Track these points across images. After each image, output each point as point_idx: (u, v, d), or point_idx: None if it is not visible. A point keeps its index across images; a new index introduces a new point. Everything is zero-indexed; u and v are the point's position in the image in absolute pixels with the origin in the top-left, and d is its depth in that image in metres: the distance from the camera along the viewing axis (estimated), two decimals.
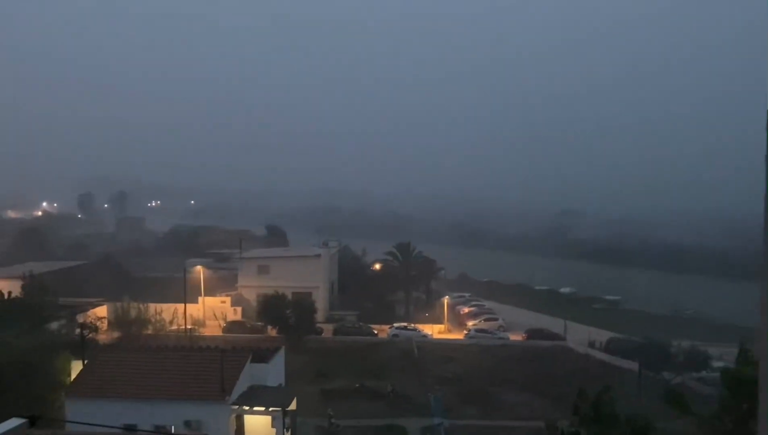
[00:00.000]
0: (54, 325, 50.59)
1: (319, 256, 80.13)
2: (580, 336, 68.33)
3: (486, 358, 61.03)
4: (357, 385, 49.92)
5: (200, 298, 72.70)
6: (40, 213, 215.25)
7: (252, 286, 76.09)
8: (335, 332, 68.74)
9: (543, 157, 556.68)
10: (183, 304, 67.77)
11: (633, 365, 55.00)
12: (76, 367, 37.34)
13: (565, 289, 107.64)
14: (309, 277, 75.64)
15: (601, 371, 54.15)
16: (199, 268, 76.82)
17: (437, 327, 73.85)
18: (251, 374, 35.92)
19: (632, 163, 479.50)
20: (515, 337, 70.85)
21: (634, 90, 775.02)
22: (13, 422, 4.72)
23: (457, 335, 72.14)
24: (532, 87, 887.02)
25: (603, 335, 69.16)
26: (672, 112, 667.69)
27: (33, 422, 5.20)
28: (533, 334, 70.51)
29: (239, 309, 73.56)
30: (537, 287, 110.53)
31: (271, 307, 64.29)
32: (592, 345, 65.93)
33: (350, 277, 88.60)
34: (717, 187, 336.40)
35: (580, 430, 23.70)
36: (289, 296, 66.10)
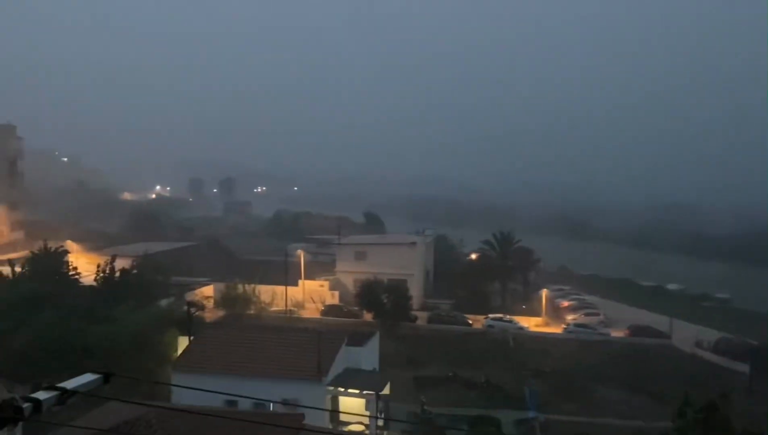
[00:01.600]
0: (164, 302, 53.42)
1: (414, 243, 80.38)
2: (686, 335, 65.14)
3: (585, 353, 59.26)
4: (450, 374, 49.82)
5: (300, 281, 74.70)
6: (153, 196, 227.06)
7: (349, 271, 77.39)
8: (429, 320, 68.88)
9: (653, 147, 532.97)
10: (284, 287, 69.92)
11: (744, 368, 52.04)
12: (183, 343, 39.35)
13: (672, 285, 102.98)
14: (404, 264, 76.01)
15: (708, 373, 51.59)
16: (299, 252, 78.93)
17: (534, 319, 72.52)
18: (347, 357, 36.67)
19: (749, 152, 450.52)
20: (617, 333, 68.54)
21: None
22: (87, 377, 5.00)
23: (555, 329, 70.53)
24: (633, 75, 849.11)
25: (711, 335, 65.53)
26: None
27: (107, 379, 5.46)
28: (636, 331, 67.90)
29: (336, 293, 75.10)
30: (642, 283, 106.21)
31: (368, 293, 65.23)
32: (699, 345, 62.79)
33: (446, 265, 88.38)
34: None
35: None
36: (385, 282, 66.82)
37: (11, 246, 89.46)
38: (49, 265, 55.03)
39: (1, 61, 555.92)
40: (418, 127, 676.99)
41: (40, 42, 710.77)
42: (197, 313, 48.33)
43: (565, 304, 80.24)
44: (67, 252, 63.09)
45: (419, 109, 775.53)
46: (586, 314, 73.80)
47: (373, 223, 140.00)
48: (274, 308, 68.48)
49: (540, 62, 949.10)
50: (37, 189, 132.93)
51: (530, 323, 70.92)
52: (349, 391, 34.41)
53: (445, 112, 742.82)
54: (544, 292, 76.43)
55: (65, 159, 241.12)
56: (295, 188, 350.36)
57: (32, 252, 58.35)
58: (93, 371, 5.79)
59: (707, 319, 73.86)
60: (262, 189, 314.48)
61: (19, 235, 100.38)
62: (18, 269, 52.94)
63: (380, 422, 34.59)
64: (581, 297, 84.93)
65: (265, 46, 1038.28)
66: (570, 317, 73.16)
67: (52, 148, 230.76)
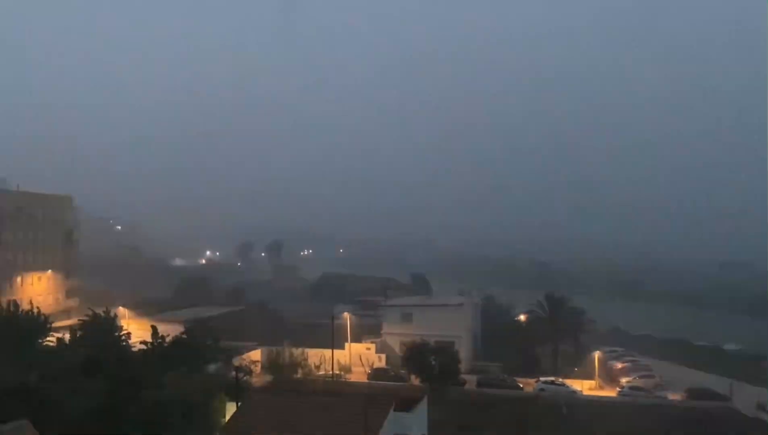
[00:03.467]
0: (212, 368, 53.77)
1: (461, 304, 79.75)
2: (747, 397, 62.30)
3: (642, 418, 56.94)
4: None
5: (347, 344, 74.48)
6: (203, 261, 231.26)
7: (395, 334, 77.01)
8: (478, 384, 67.51)
9: (711, 203, 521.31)
10: (331, 350, 69.75)
11: None
12: (231, 408, 39.43)
13: (730, 346, 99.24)
14: (451, 326, 75.24)
15: None
16: (346, 314, 78.97)
17: (587, 383, 70.42)
18: (395, 422, 36.10)
19: None
20: (674, 396, 66.01)
21: None
22: None
23: (609, 392, 68.35)
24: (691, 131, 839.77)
25: None
26: None
27: None
28: (694, 393, 65.30)
29: (383, 356, 74.50)
30: (698, 343, 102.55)
31: (415, 355, 64.53)
32: (762, 408, 59.89)
33: (494, 327, 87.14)
34: None
35: None
36: (432, 345, 66.08)
37: (66, 313, 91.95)
38: (101, 332, 56.20)
39: (61, 132, 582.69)
40: (465, 188, 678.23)
41: (95, 118, 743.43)
42: (245, 378, 48.53)
43: (619, 366, 77.88)
44: (118, 318, 64.39)
45: (466, 170, 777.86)
46: (641, 376, 71.46)
47: (419, 284, 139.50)
48: (321, 372, 68.23)
49: (593, 121, 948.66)
50: (92, 257, 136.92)
51: (583, 386, 68.88)
52: None
53: (494, 171, 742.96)
54: (596, 354, 74.38)
55: (119, 227, 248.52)
56: (341, 250, 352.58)
57: (85, 318, 59.75)
58: None
59: None
60: (308, 251, 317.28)
61: (74, 302, 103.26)
62: (67, 336, 54.19)
63: None
64: (635, 359, 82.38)
65: (310, 114, 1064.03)
66: (624, 380, 70.93)
67: (107, 217, 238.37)
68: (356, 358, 73.50)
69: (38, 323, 55.71)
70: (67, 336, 54.48)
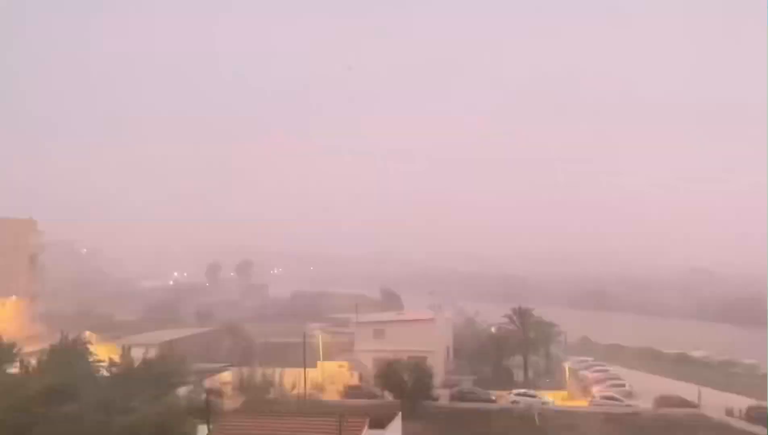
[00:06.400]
0: (183, 390, 53.04)
1: (433, 319, 79.95)
2: (715, 403, 63.56)
3: (614, 426, 57.80)
4: None
5: (319, 363, 74.04)
6: (171, 282, 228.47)
7: (368, 351, 76.84)
8: (452, 398, 67.62)
9: (671, 210, 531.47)
10: (303, 369, 69.29)
11: None
12: (202, 431, 38.92)
13: (697, 353, 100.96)
14: (424, 341, 75.37)
15: None
16: (317, 332, 78.61)
17: (559, 393, 71.07)
18: None
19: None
20: (644, 404, 66.86)
21: None
22: None
23: (581, 402, 69.01)
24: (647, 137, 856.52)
25: (742, 403, 63.80)
26: None
27: None
28: (664, 401, 66.11)
29: (356, 374, 74.22)
30: (665, 351, 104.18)
31: (388, 372, 64.43)
32: (730, 413, 61.14)
33: (465, 340, 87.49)
34: None
35: None
36: (405, 360, 66.09)
37: (32, 339, 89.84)
38: (68, 357, 55.11)
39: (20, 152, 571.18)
40: (432, 201, 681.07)
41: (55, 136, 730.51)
42: (216, 401, 47.96)
43: (589, 376, 78.84)
44: (85, 343, 63.22)
45: (430, 181, 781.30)
46: (612, 386, 72.34)
47: (390, 299, 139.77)
48: (294, 392, 67.66)
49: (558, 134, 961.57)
50: (57, 281, 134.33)
51: (555, 397, 69.46)
52: None
53: (457, 183, 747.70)
54: (567, 365, 75.18)
55: (84, 250, 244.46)
56: (312, 268, 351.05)
57: (51, 343, 58.54)
58: None
59: (736, 387, 72.07)
60: (278, 270, 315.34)
61: (39, 327, 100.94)
62: (34, 362, 53.07)
63: None
64: (605, 368, 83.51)
65: (276, 129, 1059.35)
66: (595, 389, 71.72)
67: (71, 239, 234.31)
68: (329, 376, 73.08)
69: (3, 351, 54.48)
70: (34, 362, 53.27)
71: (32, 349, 65.34)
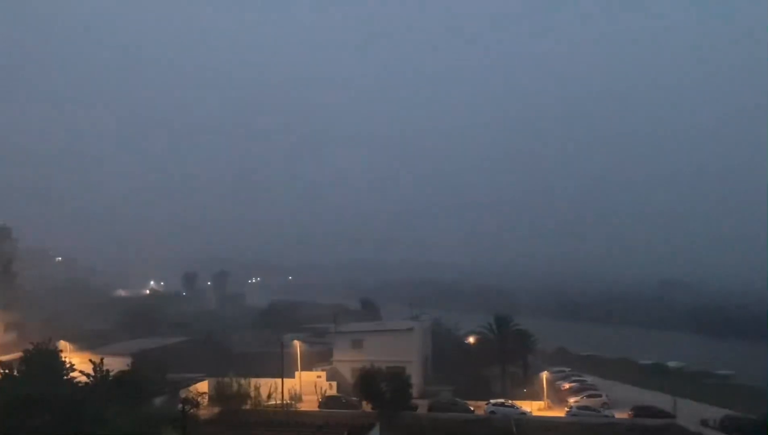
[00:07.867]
0: (158, 401, 52.46)
1: (411, 329, 79.87)
2: (691, 413, 64.21)
3: None
4: None
5: (297, 373, 73.62)
6: (147, 292, 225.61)
7: (346, 361, 76.65)
8: (430, 408, 67.48)
9: (649, 224, 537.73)
10: (280, 379, 68.86)
11: None
12: None
13: (672, 363, 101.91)
14: (402, 350, 75.30)
15: None
16: (295, 342, 78.14)
17: (536, 404, 71.22)
18: None
19: (746, 227, 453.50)
20: (620, 414, 67.18)
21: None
22: None
23: (558, 413, 69.20)
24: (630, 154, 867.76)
25: (717, 413, 64.57)
26: None
27: None
28: (640, 411, 66.52)
29: (335, 383, 73.90)
30: (641, 361, 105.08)
31: (366, 382, 64.24)
32: (705, 423, 61.79)
33: (444, 350, 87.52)
34: None
35: None
36: (384, 370, 65.96)
37: (4, 347, 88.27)
38: (41, 366, 54.19)
39: None
40: (411, 212, 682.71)
41: (35, 143, 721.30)
42: (192, 411, 47.46)
43: (566, 386, 79.20)
44: (60, 352, 62.22)
45: (412, 194, 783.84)
46: (588, 396, 72.66)
47: (368, 309, 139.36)
48: (271, 402, 67.20)
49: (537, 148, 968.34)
50: (31, 289, 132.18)
51: (532, 407, 69.61)
52: None
53: (440, 196, 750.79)
54: (544, 375, 75.47)
55: (59, 258, 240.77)
56: (290, 277, 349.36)
57: (25, 353, 57.53)
58: None
59: (710, 397, 72.85)
60: (256, 280, 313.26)
61: (12, 336, 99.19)
62: (7, 371, 52.09)
63: None
64: (582, 378, 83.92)
65: (255, 136, 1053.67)
66: (572, 400, 71.99)
67: (46, 247, 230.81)
68: (307, 386, 72.67)
69: None
70: (6, 372, 52.26)
71: (6, 357, 64.29)
